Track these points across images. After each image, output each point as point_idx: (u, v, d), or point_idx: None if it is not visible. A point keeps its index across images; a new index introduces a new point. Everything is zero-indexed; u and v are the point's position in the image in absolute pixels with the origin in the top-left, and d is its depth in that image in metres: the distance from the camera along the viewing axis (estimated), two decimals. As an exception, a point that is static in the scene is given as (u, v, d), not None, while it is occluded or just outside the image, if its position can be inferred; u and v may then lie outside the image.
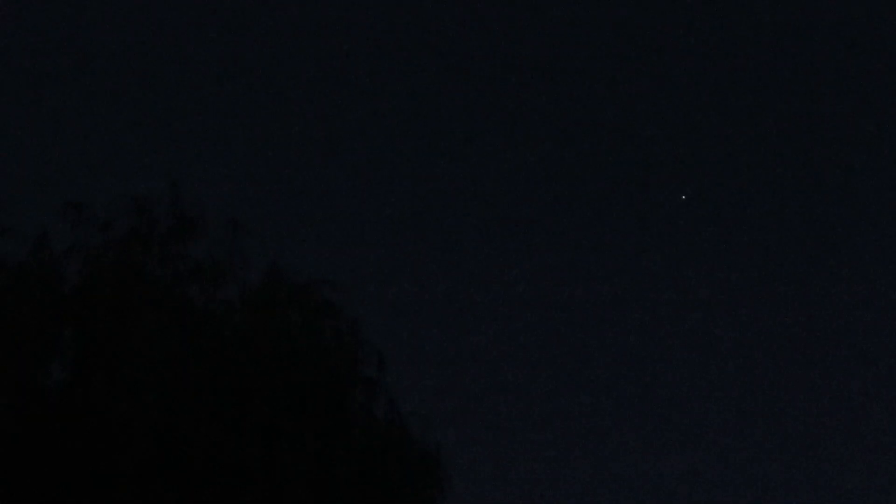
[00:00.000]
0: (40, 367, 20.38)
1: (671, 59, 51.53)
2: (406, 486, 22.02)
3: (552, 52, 52.07)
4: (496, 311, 47.11)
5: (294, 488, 20.10)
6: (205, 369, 20.50)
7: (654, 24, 51.59)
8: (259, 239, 22.46)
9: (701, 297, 47.69)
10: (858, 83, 49.97)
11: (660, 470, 41.83)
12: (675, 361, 45.66)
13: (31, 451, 19.76)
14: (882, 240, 48.14)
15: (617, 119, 51.13)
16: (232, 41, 51.49)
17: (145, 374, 19.89)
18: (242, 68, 51.35)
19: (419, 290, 46.98)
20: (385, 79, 51.47)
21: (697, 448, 42.77)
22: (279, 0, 51.84)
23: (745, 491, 41.02)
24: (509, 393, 44.38)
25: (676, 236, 49.19)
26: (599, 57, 51.85)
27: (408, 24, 51.56)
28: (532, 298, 47.77)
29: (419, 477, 22.52)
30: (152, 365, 20.01)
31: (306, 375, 21.01)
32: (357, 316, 22.54)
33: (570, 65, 52.01)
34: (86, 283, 21.16)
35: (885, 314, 46.06)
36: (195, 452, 19.73)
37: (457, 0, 52.12)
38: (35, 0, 50.63)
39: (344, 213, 49.55)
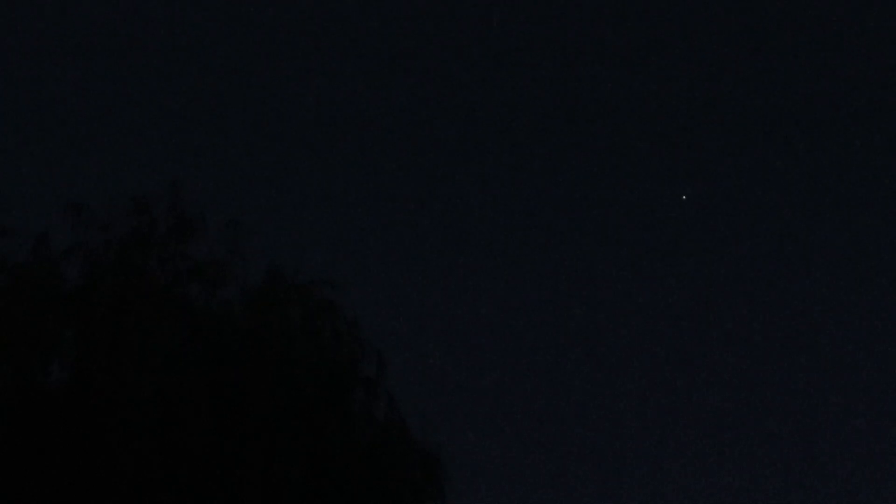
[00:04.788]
0: (40, 367, 20.39)
1: (672, 58, 51.55)
2: (406, 487, 22.02)
3: (552, 51, 52.10)
4: (496, 311, 47.13)
5: (293, 488, 20.11)
6: (204, 369, 20.51)
7: (655, 22, 51.60)
8: (259, 239, 22.50)
9: (701, 297, 47.69)
10: (859, 82, 49.98)
11: (661, 470, 41.84)
12: (676, 362, 45.67)
13: (31, 451, 19.77)
14: (884, 240, 48.16)
15: (616, 118, 51.15)
16: (232, 41, 51.50)
17: (145, 373, 19.90)
18: (242, 68, 51.36)
19: (419, 290, 46.99)
20: (386, 78, 51.49)
21: (698, 448, 42.78)
22: (279, 0, 51.85)
23: (747, 491, 41.06)
24: (510, 393, 44.38)
25: (677, 236, 49.19)
26: (599, 55, 51.86)
27: (409, 24, 51.57)
28: (532, 298, 47.78)
29: (419, 477, 22.52)
30: (152, 365, 20.02)
31: (306, 375, 21.02)
32: (357, 316, 22.57)
33: (570, 63, 52.02)
34: (86, 284, 21.18)
35: (887, 314, 46.08)
36: (194, 452, 19.73)
37: (457, 0, 52.13)
38: (35, 0, 50.63)
39: (344, 213, 49.56)
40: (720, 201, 49.64)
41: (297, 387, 20.71)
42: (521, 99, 51.53)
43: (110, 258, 21.46)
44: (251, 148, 50.41)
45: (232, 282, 21.87)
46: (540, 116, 51.38)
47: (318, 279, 22.34)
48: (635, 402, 44.26)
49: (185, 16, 51.36)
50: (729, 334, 46.48)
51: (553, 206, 49.89)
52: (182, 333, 20.71)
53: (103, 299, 20.90)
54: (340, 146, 50.92)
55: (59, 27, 50.31)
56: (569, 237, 49.43)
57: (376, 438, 21.82)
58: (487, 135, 51.13)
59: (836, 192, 49.66)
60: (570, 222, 49.74)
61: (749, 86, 50.62)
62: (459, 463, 23.45)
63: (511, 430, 42.43)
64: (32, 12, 50.36)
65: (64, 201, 21.81)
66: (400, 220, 49.68)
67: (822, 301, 47.12)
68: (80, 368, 20.43)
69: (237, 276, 21.94)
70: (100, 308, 20.80)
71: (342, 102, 51.34)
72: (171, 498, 19.48)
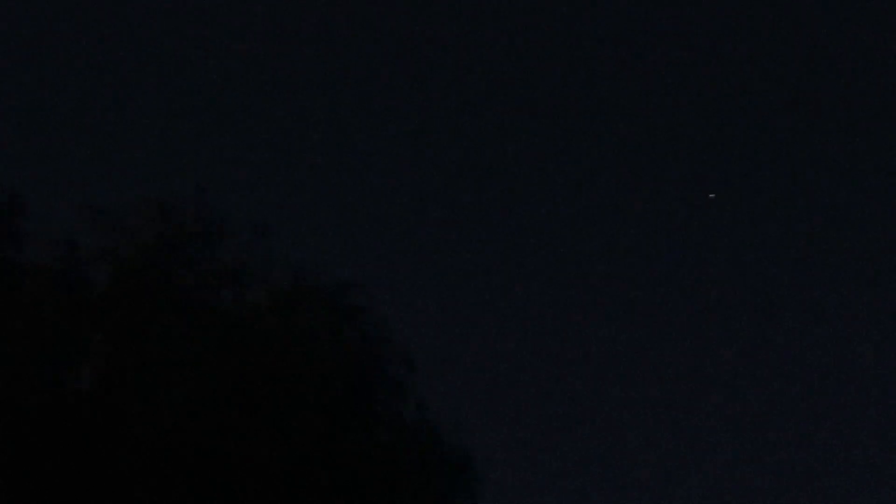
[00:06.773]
0: (70, 372, 20.55)
1: (700, 54, 51.30)
2: (436, 490, 21.99)
3: (577, 48, 51.98)
4: (526, 313, 47.03)
5: (320, 491, 20.14)
6: (232, 372, 20.59)
7: (683, 18, 51.37)
8: (285, 242, 22.56)
9: (729, 296, 47.38)
10: (888, 81, 49.53)
11: (693, 470, 41.57)
12: (706, 362, 45.38)
13: (60, 454, 19.92)
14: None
15: (644, 115, 50.95)
16: (259, 44, 51.75)
17: (173, 377, 20.01)
18: (269, 72, 51.58)
19: (450, 292, 46.97)
20: (414, 83, 51.56)
21: (728, 452, 42.48)
22: (306, 3, 52.04)
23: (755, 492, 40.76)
24: (541, 396, 44.26)
25: (705, 235, 48.92)
26: (626, 51, 51.69)
27: (429, 27, 51.62)
28: (560, 299, 47.65)
29: (449, 481, 22.48)
30: (180, 368, 20.12)
31: (332, 378, 21.05)
32: (385, 318, 22.52)
33: (596, 60, 51.89)
34: (114, 288, 21.31)
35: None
36: (222, 455, 19.82)
37: (472, 0, 52.14)
38: (58, 2, 51.11)
39: (373, 216, 49.64)
40: (749, 200, 49.30)
41: (323, 389, 20.75)
42: (546, 98, 51.43)
43: (138, 263, 21.59)
44: (277, 151, 50.60)
45: (258, 285, 21.95)
46: (565, 114, 51.27)
47: (343, 282, 22.37)
48: (667, 404, 44.01)
49: (211, 18, 51.66)
50: (758, 334, 46.12)
51: (580, 206, 49.74)
52: (209, 337, 20.80)
53: (131, 304, 21.04)
54: (368, 149, 51.01)
55: (82, 31, 50.73)
56: (596, 237, 49.26)
57: (405, 441, 21.79)
58: (514, 135, 51.08)
59: (864, 191, 49.19)
60: (598, 222, 49.56)
61: (779, 82, 50.26)
62: (494, 465, 23.38)
63: (543, 433, 42.30)
64: (56, 16, 50.82)
65: (92, 207, 21.97)
66: (432, 221, 49.70)
67: (855, 301, 46.67)
68: (108, 372, 20.57)
69: (264, 280, 22.01)
70: (128, 312, 20.94)
71: (371, 105, 51.44)
72: (198, 499, 19.56)
